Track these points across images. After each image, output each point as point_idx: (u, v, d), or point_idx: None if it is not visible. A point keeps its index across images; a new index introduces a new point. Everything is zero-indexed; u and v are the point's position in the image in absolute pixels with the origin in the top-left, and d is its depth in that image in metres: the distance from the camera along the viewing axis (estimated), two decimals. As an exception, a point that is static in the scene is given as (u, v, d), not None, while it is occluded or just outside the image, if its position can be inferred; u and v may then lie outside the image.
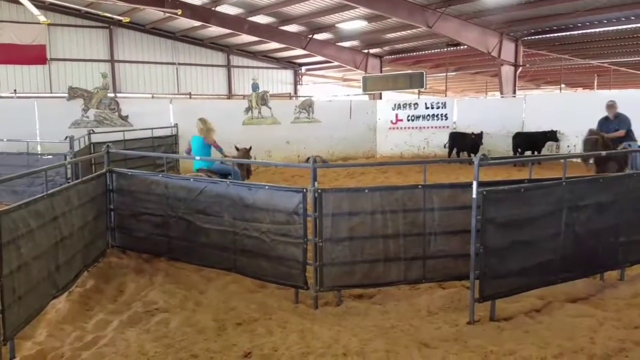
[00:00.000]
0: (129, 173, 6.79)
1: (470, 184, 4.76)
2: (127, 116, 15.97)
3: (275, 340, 4.41)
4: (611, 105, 10.54)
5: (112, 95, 17.89)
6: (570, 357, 3.89)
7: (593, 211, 5.30)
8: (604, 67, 21.79)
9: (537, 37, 19.55)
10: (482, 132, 16.91)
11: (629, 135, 10.28)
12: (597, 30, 17.99)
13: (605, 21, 17.03)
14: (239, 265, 5.87)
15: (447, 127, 19.18)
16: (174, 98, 19.03)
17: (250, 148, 9.93)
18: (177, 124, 16.14)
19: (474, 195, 4.57)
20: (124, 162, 10.04)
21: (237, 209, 5.75)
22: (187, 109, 17.09)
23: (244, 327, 4.76)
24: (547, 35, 19.26)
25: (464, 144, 17.33)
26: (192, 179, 6.43)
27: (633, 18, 16.04)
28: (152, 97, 21.17)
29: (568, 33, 18.64)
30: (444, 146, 17.99)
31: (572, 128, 15.82)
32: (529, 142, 16.42)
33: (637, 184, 5.62)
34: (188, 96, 21.39)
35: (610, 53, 20.56)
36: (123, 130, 14.01)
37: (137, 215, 6.61)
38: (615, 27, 17.50)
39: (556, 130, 16.11)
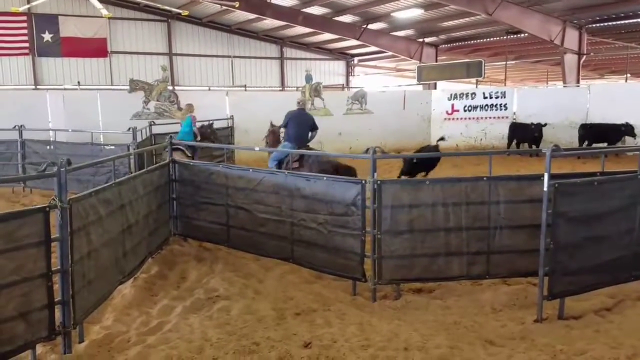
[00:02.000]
0: (191, 163, 6.95)
1: (539, 177, 4.57)
2: (186, 108, 16.32)
3: (334, 331, 4.39)
4: None
5: (171, 87, 18.36)
6: (646, 359, 3.67)
7: (672, 206, 4.97)
8: (676, 55, 20.48)
9: (602, 24, 18.54)
10: (540, 123, 16.24)
11: None
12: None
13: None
14: (296, 256, 5.89)
15: (507, 117, 18.53)
16: (229, 90, 19.31)
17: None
18: (232, 115, 16.38)
19: (545, 188, 4.37)
20: (183, 153, 10.28)
21: (295, 199, 5.76)
22: (242, 101, 17.34)
23: (303, 317, 4.77)
24: (613, 23, 18.23)
25: (525, 135, 16.69)
26: (250, 170, 6.49)
27: None
28: (209, 90, 21.56)
29: (635, 20, 17.59)
30: (504, 137, 17.39)
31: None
32: (598, 135, 15.35)
33: None
34: (243, 88, 21.67)
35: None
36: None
37: (197, 204, 6.75)
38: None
39: (632, 124, 14.94)
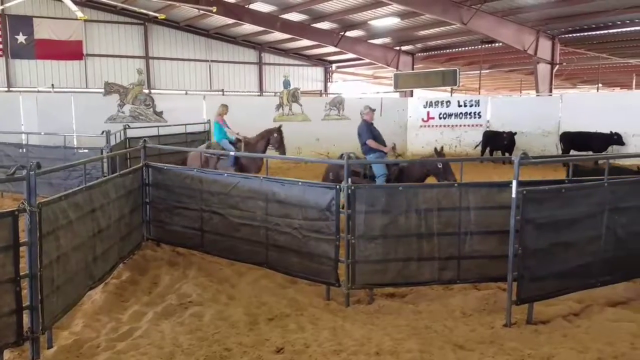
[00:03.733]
0: (165, 167, 6.88)
1: (508, 183, 4.66)
2: (161, 112, 16.22)
3: (307, 336, 4.40)
4: None
5: (147, 91, 18.20)
6: (610, 363, 3.76)
7: (636, 213, 5.12)
8: (644, 66, 21.11)
9: (574, 35, 19.02)
10: (512, 132, 16.58)
11: None
12: (636, 28, 17.39)
13: (646, 19, 16.45)
14: (270, 261, 5.89)
15: (481, 125, 18.87)
16: (207, 94, 19.22)
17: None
18: (209, 120, 16.30)
19: (514, 195, 4.46)
20: (159, 157, 10.19)
21: (270, 204, 5.76)
22: (219, 105, 17.25)
23: (276, 322, 4.77)
24: (585, 34, 18.71)
25: (498, 143, 17.01)
26: (225, 174, 6.47)
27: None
28: (186, 94, 21.45)
29: (607, 31, 18.08)
30: (475, 147, 17.68)
31: (610, 128, 15.37)
32: (582, 143, 15.55)
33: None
34: (221, 93, 21.59)
35: (650, 52, 19.91)
36: (157, 126, 14.24)
37: (171, 209, 6.70)
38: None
39: (620, 134, 15.21)
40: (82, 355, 4.10)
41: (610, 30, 17.96)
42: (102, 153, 8.84)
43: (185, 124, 14.79)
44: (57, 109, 14.67)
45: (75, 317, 4.79)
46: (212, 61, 24.72)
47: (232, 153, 8.52)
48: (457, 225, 5.16)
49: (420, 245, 5.19)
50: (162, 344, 4.26)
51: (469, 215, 5.14)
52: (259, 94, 25.53)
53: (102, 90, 16.03)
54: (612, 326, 4.54)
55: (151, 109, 16.29)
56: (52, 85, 18.75)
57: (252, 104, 18.63)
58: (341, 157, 5.28)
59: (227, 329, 4.55)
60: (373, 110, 8.53)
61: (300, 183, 5.65)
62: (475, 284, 5.52)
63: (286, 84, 18.62)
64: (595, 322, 4.69)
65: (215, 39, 24.61)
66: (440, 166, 7.48)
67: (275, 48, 26.13)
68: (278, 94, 19.45)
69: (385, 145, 8.36)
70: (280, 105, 18.28)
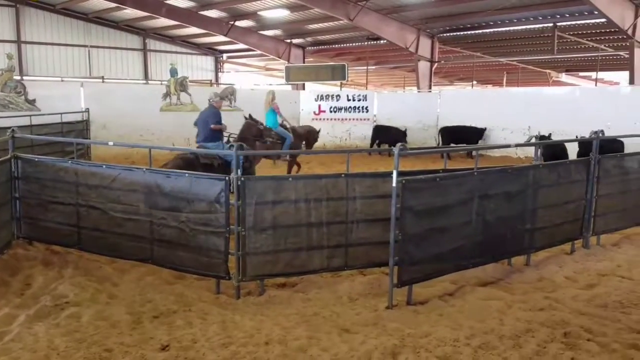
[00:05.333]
0: (36, 159, 6.32)
1: (390, 174, 4.88)
2: (34, 100, 14.91)
3: (195, 332, 4.30)
4: None
5: (18, 77, 16.62)
6: (481, 337, 4.10)
7: (502, 200, 5.63)
8: (513, 65, 23.11)
9: (451, 34, 20.39)
10: (399, 128, 17.50)
11: None
12: (507, 29, 19.04)
13: (515, 20, 18.06)
14: (155, 256, 5.65)
15: (368, 119, 19.59)
16: (85, 82, 17.94)
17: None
18: (88, 108, 15.28)
19: (394, 184, 4.70)
20: (31, 149, 9.36)
21: (154, 197, 5.53)
22: (99, 93, 16.26)
23: (162, 319, 4.60)
24: (461, 33, 20.13)
25: (388, 137, 17.76)
26: (104, 166, 6.08)
27: (540, 18, 17.13)
28: (62, 81, 19.86)
29: (480, 31, 19.58)
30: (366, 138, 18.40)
31: (482, 122, 16.75)
32: (459, 137, 16.70)
33: (541, 174, 6.03)
34: (100, 80, 20.27)
35: (519, 51, 21.84)
36: (30, 115, 13.08)
37: (45, 204, 6.18)
38: (523, 27, 18.62)
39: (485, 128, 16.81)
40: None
41: (484, 30, 19.47)
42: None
43: (61, 113, 13.70)
44: None
45: None
46: (91, 47, 23.15)
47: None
48: (344, 214, 5.33)
49: (309, 235, 5.28)
50: (35, 347, 3.94)
51: (356, 204, 5.34)
52: (144, 82, 24.36)
53: (-34, 76, 14.37)
54: (482, 304, 4.94)
55: (22, 97, 14.88)
56: None
57: (137, 92, 17.69)
58: (230, 147, 5.20)
59: (107, 329, 4.31)
60: (222, 99, 8.81)
61: (187, 175, 5.49)
62: (361, 270, 5.74)
63: (173, 72, 17.93)
64: (468, 301, 5.08)
65: (95, 24, 23.07)
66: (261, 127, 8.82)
67: (161, 35, 25.08)
68: (165, 82, 18.68)
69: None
70: (167, 95, 17.57)
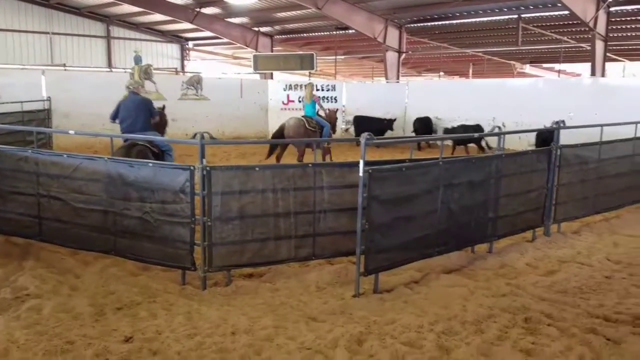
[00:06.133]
0: (-6, 149, 6.10)
1: (357, 163, 4.90)
2: (-6, 88, 14.34)
3: (160, 323, 4.25)
4: None
5: (-27, 64, 15.97)
6: (445, 323, 4.18)
7: (465, 189, 5.74)
8: (479, 57, 23.44)
9: (419, 24, 20.49)
10: (382, 118, 17.57)
11: None
12: (473, 20, 19.25)
13: (480, 12, 18.26)
14: (119, 248, 5.55)
15: (337, 109, 19.56)
16: (47, 69, 17.37)
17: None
18: (50, 97, 14.81)
19: (361, 174, 4.72)
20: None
21: (117, 187, 5.41)
22: (61, 81, 15.79)
23: (125, 311, 4.53)
24: (428, 24, 20.24)
25: (369, 128, 17.74)
26: (65, 155, 5.91)
27: (505, 10, 17.36)
28: (22, 69, 19.19)
29: (447, 22, 19.73)
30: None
31: (449, 113, 16.97)
32: (366, 127, 16.50)
33: (504, 164, 6.16)
34: (63, 68, 19.65)
35: (484, 43, 22.13)
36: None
37: (4, 195, 5.99)
38: (489, 18, 18.85)
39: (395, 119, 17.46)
40: None
41: (450, 21, 19.62)
42: None
43: (22, 102, 13.25)
44: None
45: None
46: (53, 33, 22.43)
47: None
48: (312, 204, 5.33)
49: (277, 225, 5.26)
50: (-7, 342, 3.82)
51: (323, 194, 5.34)
52: (108, 70, 23.76)
53: None
54: (446, 291, 5.04)
55: (-22, 85, 14.30)
56: None
57: (99, 80, 17.21)
58: (194, 136, 5.12)
59: (69, 321, 4.22)
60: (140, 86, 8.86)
61: (151, 164, 5.39)
62: (329, 259, 5.76)
63: (137, 59, 17.51)
64: (433, 288, 5.18)
65: (57, 10, 22.35)
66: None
67: (125, 21, 24.47)
68: (129, 70, 18.25)
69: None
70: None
